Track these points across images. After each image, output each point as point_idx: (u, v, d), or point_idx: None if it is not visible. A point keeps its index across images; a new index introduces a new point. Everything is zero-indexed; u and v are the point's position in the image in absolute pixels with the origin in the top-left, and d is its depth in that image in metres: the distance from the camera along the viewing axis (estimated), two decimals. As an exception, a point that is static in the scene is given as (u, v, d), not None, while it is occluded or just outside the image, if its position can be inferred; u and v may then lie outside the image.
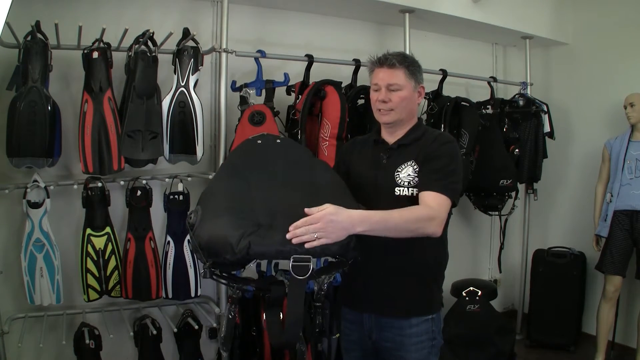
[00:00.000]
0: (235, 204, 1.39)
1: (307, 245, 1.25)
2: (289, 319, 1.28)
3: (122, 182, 2.34)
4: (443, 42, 3.55)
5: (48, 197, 2.20)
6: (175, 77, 2.35)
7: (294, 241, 1.25)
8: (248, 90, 2.50)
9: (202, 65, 2.37)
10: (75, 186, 2.30)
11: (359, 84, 2.73)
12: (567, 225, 3.75)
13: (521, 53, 3.73)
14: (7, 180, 2.24)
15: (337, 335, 2.23)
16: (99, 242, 2.28)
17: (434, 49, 3.41)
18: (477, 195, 3.38)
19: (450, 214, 1.66)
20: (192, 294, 2.43)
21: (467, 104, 3.08)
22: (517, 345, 3.32)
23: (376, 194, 1.59)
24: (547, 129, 3.49)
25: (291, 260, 1.24)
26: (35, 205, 2.19)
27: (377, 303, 1.63)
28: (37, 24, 2.08)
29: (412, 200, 1.53)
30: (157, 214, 2.46)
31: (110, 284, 2.31)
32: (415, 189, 1.55)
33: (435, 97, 3.09)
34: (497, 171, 3.20)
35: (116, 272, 2.31)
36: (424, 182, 1.54)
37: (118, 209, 2.41)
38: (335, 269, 1.42)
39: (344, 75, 2.75)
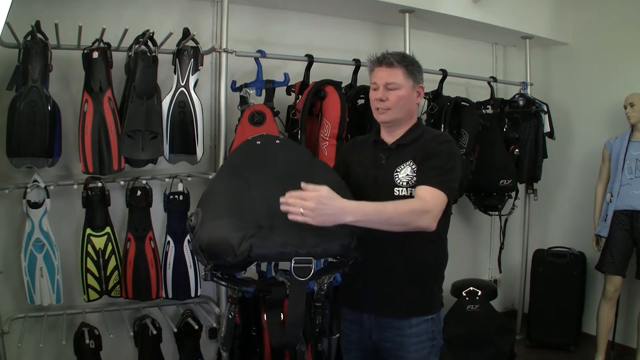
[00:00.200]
0: (236, 204, 1.39)
1: (290, 217, 1.24)
2: (289, 320, 1.28)
3: (122, 182, 2.34)
4: (443, 42, 3.55)
5: (48, 197, 2.20)
6: (175, 77, 2.35)
7: (281, 208, 1.25)
8: (248, 90, 2.50)
9: (202, 65, 2.37)
10: (75, 186, 2.30)
11: (359, 84, 2.73)
12: (567, 225, 3.75)
13: (521, 53, 3.73)
14: (7, 180, 2.24)
15: (337, 335, 2.23)
16: (99, 242, 2.28)
17: (434, 49, 3.41)
18: (477, 195, 3.38)
19: (450, 213, 1.66)
20: (192, 294, 2.43)
21: (467, 104, 3.08)
22: (517, 345, 3.32)
23: (376, 194, 1.59)
24: (547, 129, 3.49)
25: (292, 262, 1.24)
26: (35, 205, 2.19)
27: (376, 303, 1.63)
28: (37, 24, 2.08)
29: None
30: (157, 214, 2.46)
31: (110, 284, 2.31)
32: (413, 189, 1.55)
33: (435, 97, 3.09)
34: (497, 171, 3.20)
35: (116, 272, 2.31)
36: (420, 178, 1.53)
37: (118, 209, 2.41)
38: (336, 270, 1.42)
39: (344, 75, 2.75)
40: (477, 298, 3.10)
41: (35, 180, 2.19)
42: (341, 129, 2.40)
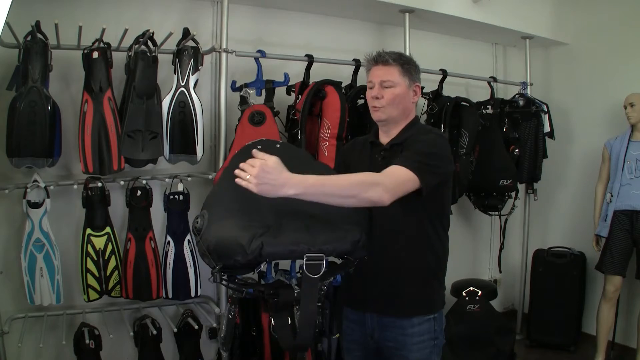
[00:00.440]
0: (242, 205, 1.38)
1: (236, 180, 1.23)
2: (302, 320, 1.26)
3: (122, 182, 2.34)
4: (443, 42, 3.55)
5: (48, 197, 2.20)
6: (175, 77, 2.35)
7: (235, 172, 1.24)
8: (248, 90, 2.50)
9: (202, 65, 2.38)
10: (75, 186, 2.30)
11: (359, 84, 2.73)
12: (567, 225, 3.75)
13: (521, 53, 3.73)
14: (7, 180, 2.24)
15: (337, 335, 2.23)
16: (99, 242, 2.28)
17: (434, 49, 3.41)
18: (477, 195, 3.38)
19: (450, 213, 1.66)
20: (192, 294, 2.43)
21: (467, 104, 3.08)
22: (517, 345, 3.32)
23: None
24: (547, 129, 3.48)
25: (305, 258, 1.23)
26: (35, 205, 2.19)
27: (378, 303, 1.63)
28: (37, 24, 2.08)
29: (403, 199, 1.49)
30: (157, 214, 2.46)
31: (110, 284, 2.31)
32: None
33: (435, 97, 3.09)
34: (497, 171, 3.20)
35: (116, 272, 2.31)
36: (396, 161, 1.48)
37: (118, 209, 2.40)
38: (342, 269, 1.41)
39: (344, 75, 2.75)
40: (477, 298, 3.09)
41: (35, 180, 2.19)
42: (341, 129, 2.40)
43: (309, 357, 2.24)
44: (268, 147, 1.69)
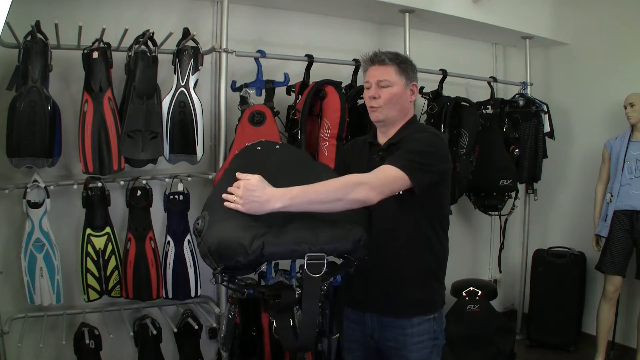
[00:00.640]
0: None
1: (225, 204, 1.28)
2: (304, 320, 1.26)
3: (122, 182, 2.34)
4: (443, 42, 3.55)
5: (48, 197, 2.20)
6: (175, 77, 2.35)
7: (223, 196, 1.29)
8: (248, 90, 2.50)
9: (202, 65, 2.38)
10: (75, 186, 2.30)
11: (358, 84, 2.73)
12: (567, 225, 3.75)
13: (521, 53, 3.73)
14: (7, 180, 2.24)
15: (337, 335, 2.23)
16: (99, 242, 2.28)
17: (434, 49, 3.41)
18: (477, 195, 3.38)
19: (449, 212, 1.66)
20: (192, 294, 2.43)
21: (467, 104, 3.08)
22: (517, 345, 3.32)
23: None
24: (547, 129, 3.49)
25: (306, 258, 1.24)
26: (35, 205, 2.19)
27: (378, 303, 1.63)
28: (37, 24, 2.08)
29: (399, 199, 1.50)
30: (157, 214, 2.46)
31: (110, 284, 2.31)
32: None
33: (435, 97, 3.09)
34: (497, 171, 3.20)
35: (116, 272, 2.31)
36: (387, 160, 1.48)
37: (118, 209, 2.40)
38: (343, 269, 1.41)
39: (344, 75, 2.75)
40: (477, 298, 3.09)
41: (35, 180, 2.19)
42: (341, 129, 2.40)
43: (309, 357, 2.23)
44: (268, 148, 1.70)
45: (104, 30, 2.16)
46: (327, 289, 1.55)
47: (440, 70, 3.10)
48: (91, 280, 2.27)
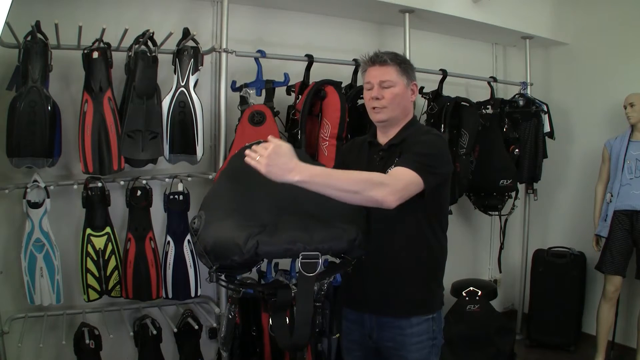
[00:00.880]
0: (239, 206, 1.39)
1: (245, 159, 1.28)
2: (298, 318, 1.26)
3: (122, 182, 2.34)
4: (443, 42, 3.55)
5: (48, 197, 2.20)
6: (175, 77, 2.35)
7: (247, 152, 1.29)
8: (248, 90, 2.50)
9: (202, 65, 2.38)
10: (75, 186, 2.30)
11: (359, 84, 2.73)
12: (567, 225, 3.75)
13: (521, 53, 3.73)
14: (7, 180, 2.24)
15: (337, 335, 2.23)
16: (99, 242, 2.28)
17: (434, 49, 3.41)
18: (477, 195, 3.38)
19: (449, 212, 1.66)
20: (192, 294, 2.43)
21: (467, 104, 3.08)
22: (517, 345, 3.32)
23: None
24: (547, 129, 3.49)
25: (300, 257, 1.24)
26: (35, 205, 2.19)
27: (377, 303, 1.63)
28: (37, 24, 2.08)
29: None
30: (157, 214, 2.46)
31: (110, 284, 2.31)
32: None
33: (435, 97, 3.09)
34: (497, 171, 3.20)
35: (116, 272, 2.31)
36: (398, 162, 1.50)
37: (118, 209, 2.41)
38: (340, 269, 1.41)
39: (344, 75, 2.75)
40: (477, 298, 3.10)
41: (35, 180, 2.19)
42: (341, 129, 2.40)
43: (309, 357, 2.24)
44: None
45: (104, 30, 2.16)
46: (327, 289, 1.55)
47: (440, 70, 3.10)
48: (91, 280, 2.27)
